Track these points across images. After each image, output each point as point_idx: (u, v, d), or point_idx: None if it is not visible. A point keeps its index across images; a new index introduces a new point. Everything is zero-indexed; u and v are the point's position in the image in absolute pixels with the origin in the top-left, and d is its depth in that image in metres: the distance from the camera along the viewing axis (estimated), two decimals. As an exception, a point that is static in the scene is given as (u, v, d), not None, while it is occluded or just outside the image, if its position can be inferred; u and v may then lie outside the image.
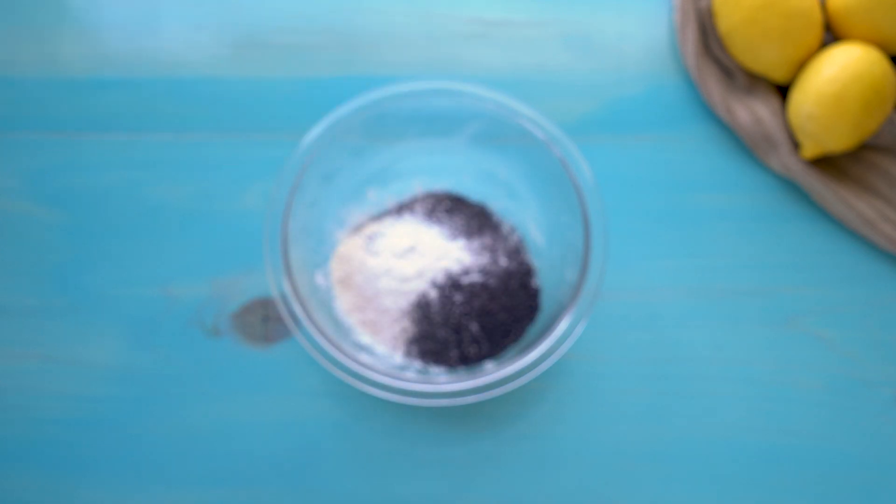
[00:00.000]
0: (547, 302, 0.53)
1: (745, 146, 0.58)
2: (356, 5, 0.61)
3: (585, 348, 0.54)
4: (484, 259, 0.53)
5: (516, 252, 0.54)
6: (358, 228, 0.55)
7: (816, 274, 0.55)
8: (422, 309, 0.52)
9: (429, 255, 0.53)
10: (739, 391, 0.53)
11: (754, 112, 0.57)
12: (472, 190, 0.56)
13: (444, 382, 0.49)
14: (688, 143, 0.58)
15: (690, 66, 0.59)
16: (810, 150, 0.56)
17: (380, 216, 0.55)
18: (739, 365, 0.54)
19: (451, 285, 0.52)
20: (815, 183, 0.56)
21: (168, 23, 0.61)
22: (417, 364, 0.52)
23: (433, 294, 0.52)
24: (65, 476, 0.51)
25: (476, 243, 0.54)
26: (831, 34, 0.59)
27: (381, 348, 0.52)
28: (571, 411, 0.53)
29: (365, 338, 0.52)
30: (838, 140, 0.55)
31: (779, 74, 0.58)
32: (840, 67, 0.54)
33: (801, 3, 0.56)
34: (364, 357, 0.50)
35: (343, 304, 0.53)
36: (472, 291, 0.52)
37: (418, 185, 0.56)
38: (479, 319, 0.52)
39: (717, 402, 0.53)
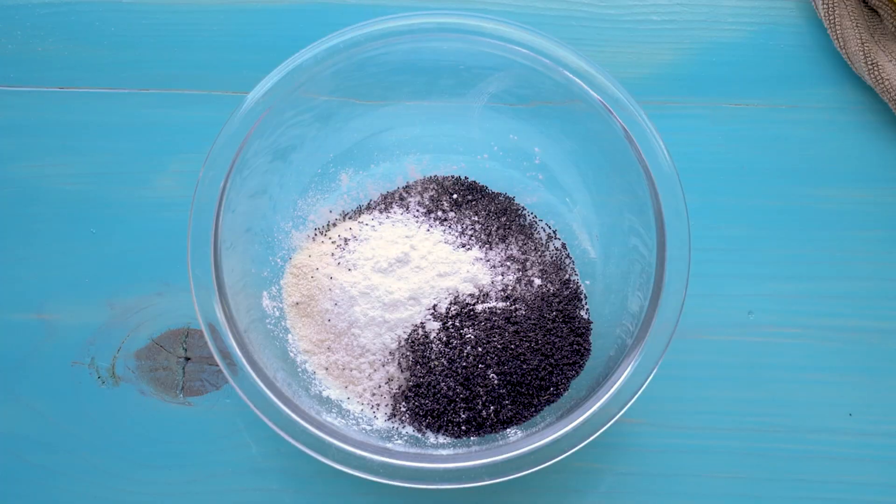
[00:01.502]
0: (600, 341, 0.52)
1: None
2: None
3: (654, 411, 0.54)
4: (509, 277, 0.53)
5: (556, 268, 0.54)
6: (324, 229, 0.55)
7: None
8: (417, 349, 0.52)
9: (428, 271, 0.52)
10: (885, 479, 0.53)
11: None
12: (494, 176, 0.56)
13: (447, 457, 0.48)
14: (812, 113, 0.59)
15: (818, 2, 0.58)
16: None
17: (356, 212, 0.55)
18: (885, 439, 0.54)
19: (461, 315, 0.52)
20: None
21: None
22: (409, 429, 0.51)
23: (434, 327, 0.52)
24: None
25: (498, 254, 0.54)
26: None
27: (356, 405, 0.52)
28: (632, 502, 0.52)
29: (333, 390, 0.52)
30: None
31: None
32: None
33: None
34: (331, 418, 0.49)
35: (301, 339, 0.53)
36: (492, 325, 0.52)
37: (413, 168, 0.56)
38: (502, 366, 0.52)
39: (853, 495, 0.53)
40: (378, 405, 0.51)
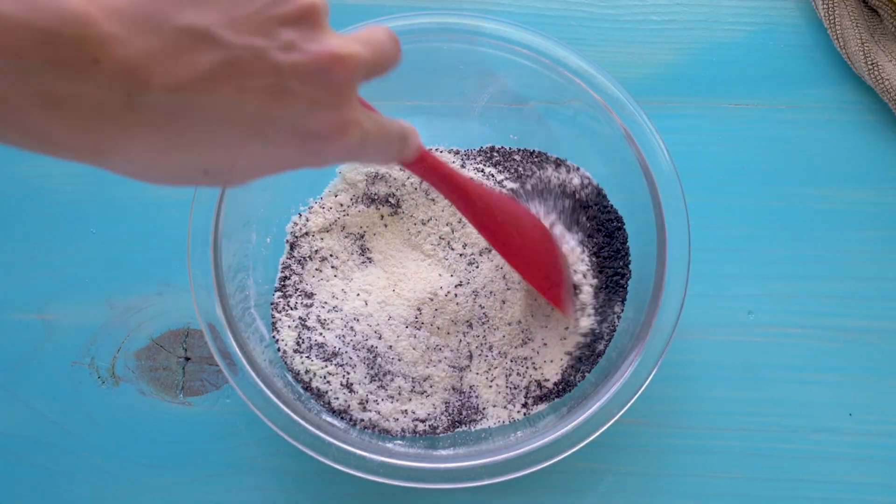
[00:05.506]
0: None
1: None
2: None
3: (653, 410, 0.54)
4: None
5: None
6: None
7: None
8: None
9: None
10: (885, 479, 0.53)
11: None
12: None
13: (447, 457, 0.48)
14: (812, 113, 0.59)
15: (818, 2, 0.59)
16: None
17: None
18: (885, 439, 0.53)
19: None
20: None
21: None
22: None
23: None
24: None
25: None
26: None
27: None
28: (632, 502, 0.52)
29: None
30: None
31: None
32: None
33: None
34: (331, 418, 0.49)
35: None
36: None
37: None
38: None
39: (853, 495, 0.52)
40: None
